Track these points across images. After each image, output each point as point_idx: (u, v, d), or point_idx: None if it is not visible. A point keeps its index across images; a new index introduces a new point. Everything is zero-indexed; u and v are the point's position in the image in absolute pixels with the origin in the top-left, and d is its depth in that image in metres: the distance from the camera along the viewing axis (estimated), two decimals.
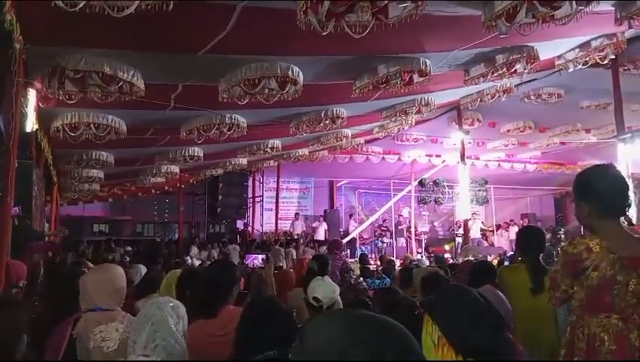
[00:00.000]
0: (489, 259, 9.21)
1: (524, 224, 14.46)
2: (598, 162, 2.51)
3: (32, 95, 4.85)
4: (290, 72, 5.23)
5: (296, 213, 17.12)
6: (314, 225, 16.69)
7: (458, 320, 1.69)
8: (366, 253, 12.75)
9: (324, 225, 16.43)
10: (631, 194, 2.32)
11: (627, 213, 2.37)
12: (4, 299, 2.31)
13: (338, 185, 18.72)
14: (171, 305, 2.08)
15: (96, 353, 2.52)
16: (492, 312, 1.82)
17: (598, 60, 6.92)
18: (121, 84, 4.86)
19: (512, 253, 10.82)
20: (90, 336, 2.56)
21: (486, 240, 17.20)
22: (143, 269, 5.74)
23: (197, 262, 10.23)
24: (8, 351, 1.82)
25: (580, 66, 7.07)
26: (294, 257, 11.56)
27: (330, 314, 1.21)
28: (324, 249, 13.67)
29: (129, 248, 12.52)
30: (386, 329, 0.96)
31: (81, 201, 13.86)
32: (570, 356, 2.25)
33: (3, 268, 3.84)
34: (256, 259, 10.30)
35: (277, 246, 11.84)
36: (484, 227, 16.83)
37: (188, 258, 10.70)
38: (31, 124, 5.05)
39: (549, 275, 3.26)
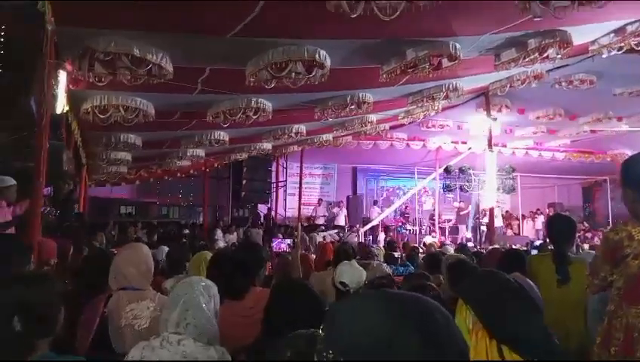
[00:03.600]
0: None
1: (551, 213, 14.21)
2: (629, 152, 2.44)
3: (62, 77, 4.91)
4: (317, 56, 5.18)
5: (320, 199, 17.14)
6: (334, 210, 16.71)
7: (496, 305, 1.66)
8: (393, 239, 12.68)
9: (345, 211, 16.45)
10: None
11: None
12: (38, 275, 2.35)
13: (361, 171, 18.66)
14: (203, 284, 2.10)
15: (127, 331, 2.56)
16: (529, 299, 1.79)
17: (633, 46, 6.70)
18: (150, 66, 4.89)
19: (541, 241, 10.67)
20: (121, 314, 2.61)
21: (511, 229, 17.00)
22: (166, 250, 5.82)
23: (222, 245, 10.34)
24: (49, 324, 1.86)
25: (614, 52, 6.86)
26: (317, 242, 11.61)
27: (364, 295, 1.20)
28: (345, 235, 13.76)
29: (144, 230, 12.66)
30: (429, 313, 0.93)
31: (108, 183, 14.09)
32: (606, 345, 2.20)
33: (36, 246, 3.93)
34: (283, 243, 10.38)
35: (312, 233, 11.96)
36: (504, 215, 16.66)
37: (217, 240, 10.83)
38: (61, 106, 5.12)
39: (574, 264, 3.22)
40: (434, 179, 15.83)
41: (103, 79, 5.09)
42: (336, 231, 14.44)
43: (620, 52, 6.87)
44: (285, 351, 1.50)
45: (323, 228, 14.95)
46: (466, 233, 16.31)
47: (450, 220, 17.46)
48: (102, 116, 6.24)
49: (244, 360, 2.08)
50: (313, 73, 5.54)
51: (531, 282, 3.18)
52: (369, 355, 0.87)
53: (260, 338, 2.05)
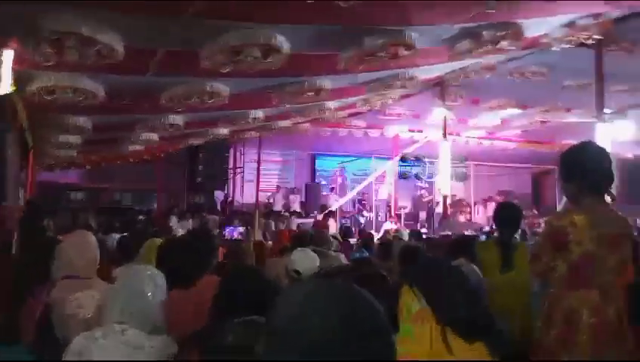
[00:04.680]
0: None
1: (501, 200, 14.66)
2: (576, 142, 2.52)
3: (7, 56, 4.67)
4: (273, 40, 5.12)
5: (277, 186, 17.09)
6: (290, 197, 16.75)
7: (439, 290, 1.71)
8: (349, 226, 12.80)
9: (299, 198, 16.50)
10: (614, 170, 2.35)
11: (610, 190, 2.40)
12: None
13: (320, 158, 18.70)
14: (149, 273, 2.06)
15: (72, 320, 2.49)
16: (468, 284, 1.85)
17: (582, 40, 6.93)
18: (99, 47, 4.71)
19: (488, 229, 11.01)
20: (66, 303, 2.53)
21: (462, 215, 17.44)
22: (117, 237, 5.69)
23: (179, 232, 10.18)
24: None
25: (564, 45, 7.08)
26: (273, 229, 11.60)
27: (304, 282, 1.21)
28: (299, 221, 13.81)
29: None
30: (351, 299, 0.96)
31: (57, 168, 13.59)
32: (547, 329, 2.29)
33: None
34: (235, 231, 10.30)
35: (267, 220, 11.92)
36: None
37: (172, 227, 10.65)
38: (6, 87, 4.88)
39: (519, 250, 3.34)
40: (391, 166, 16.04)
41: (50, 59, 4.87)
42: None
43: (570, 45, 7.09)
44: (227, 336, 1.49)
45: (296, 216, 14.93)
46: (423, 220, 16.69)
47: (406, 207, 17.78)
48: (49, 98, 5.98)
49: (189, 347, 2.06)
50: (270, 58, 5.47)
51: (475, 267, 3.28)
52: (299, 340, 0.90)
53: (206, 325, 2.02)
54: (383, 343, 0.95)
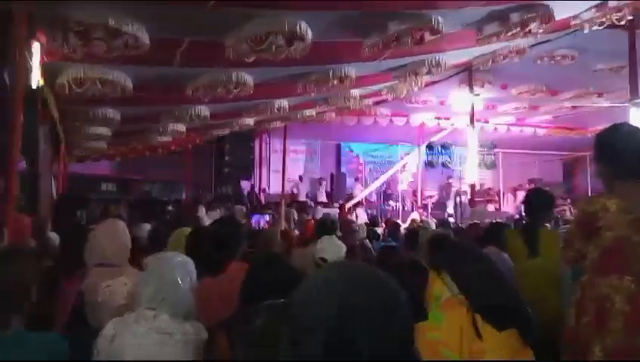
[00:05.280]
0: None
1: (532, 188, 14.39)
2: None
3: (36, 49, 4.77)
4: (297, 28, 5.09)
5: (300, 176, 17.09)
6: (318, 187, 16.77)
7: (470, 276, 1.69)
8: (376, 215, 12.74)
9: (325, 187, 16.49)
10: None
11: None
12: (8, 250, 2.31)
13: (345, 147, 18.64)
14: (179, 259, 2.08)
15: (104, 307, 2.54)
16: (498, 271, 1.82)
17: (614, 21, 6.71)
18: (125, 38, 4.76)
19: (517, 217, 10.84)
20: (98, 290, 2.58)
21: (491, 204, 17.19)
22: (147, 227, 5.77)
23: (207, 221, 10.29)
24: (19, 300, 1.84)
25: (595, 27, 6.87)
26: (295, 218, 11.65)
27: (327, 266, 1.21)
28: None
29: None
30: (371, 284, 0.97)
31: (88, 159, 13.87)
32: (579, 316, 2.24)
33: (10, 223, 3.86)
34: (262, 219, 10.35)
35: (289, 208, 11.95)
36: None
37: (200, 217, 10.76)
38: (36, 79, 4.98)
39: (545, 237, 3.27)
40: (417, 155, 15.88)
41: (77, 51, 4.95)
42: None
43: (601, 27, 6.88)
44: (255, 320, 1.51)
45: (321, 205, 14.96)
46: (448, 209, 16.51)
47: (433, 196, 17.61)
48: (78, 90, 6.09)
49: (219, 333, 2.08)
50: (294, 46, 5.46)
51: (506, 255, 3.23)
52: (321, 321, 0.92)
53: (234, 311, 2.04)
54: (400, 324, 0.96)
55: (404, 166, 17.08)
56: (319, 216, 11.83)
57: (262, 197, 16.43)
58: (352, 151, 18.85)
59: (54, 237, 4.87)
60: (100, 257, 2.73)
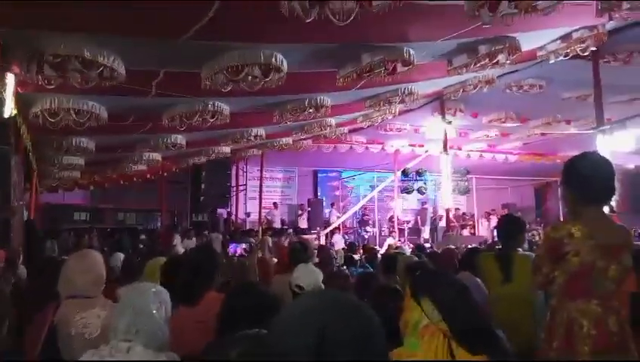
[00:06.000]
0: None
1: (504, 214, 14.63)
2: (577, 153, 2.54)
3: (10, 80, 4.75)
4: (273, 60, 5.19)
5: (275, 203, 17.07)
6: (299, 213, 16.78)
7: (448, 303, 1.73)
8: (354, 241, 12.77)
9: (306, 214, 16.52)
10: (616, 182, 2.36)
11: (611, 201, 2.41)
12: None
13: (322, 174, 18.74)
14: (153, 290, 2.07)
15: (77, 339, 2.50)
16: (473, 297, 1.87)
17: (579, 52, 6.99)
18: (101, 69, 4.78)
19: (490, 241, 10.99)
20: (71, 323, 2.54)
21: (466, 229, 17.41)
22: (121, 257, 5.70)
23: (181, 250, 10.18)
24: None
25: (561, 58, 7.14)
26: (269, 245, 11.63)
27: (305, 295, 1.24)
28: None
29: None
30: (348, 312, 1.00)
31: (61, 189, 13.66)
32: (549, 341, 2.29)
33: None
34: (239, 248, 10.26)
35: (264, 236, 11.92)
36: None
37: (175, 246, 10.66)
38: (9, 110, 4.95)
39: (520, 262, 3.34)
40: (392, 181, 16.05)
41: (52, 82, 4.95)
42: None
43: (566, 58, 7.16)
44: (230, 350, 1.51)
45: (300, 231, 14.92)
46: (424, 234, 16.65)
47: (409, 221, 17.76)
48: (52, 120, 6.05)
49: None
50: (270, 77, 5.55)
51: (479, 280, 3.28)
52: (299, 350, 0.94)
53: (210, 342, 2.04)
54: (376, 351, 0.99)
55: (384, 191, 17.23)
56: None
57: (238, 225, 16.33)
58: (328, 177, 18.96)
59: (22, 270, 4.79)
60: (72, 289, 2.69)
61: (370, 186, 18.19)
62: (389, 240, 14.25)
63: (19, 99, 5.44)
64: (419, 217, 17.63)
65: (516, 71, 8.37)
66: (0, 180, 5.79)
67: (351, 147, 14.10)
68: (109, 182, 13.98)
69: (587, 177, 2.36)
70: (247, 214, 15.94)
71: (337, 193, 18.74)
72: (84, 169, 10.51)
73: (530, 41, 6.54)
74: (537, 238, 12.04)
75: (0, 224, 6.37)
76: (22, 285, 4.40)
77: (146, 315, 1.96)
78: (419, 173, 16.55)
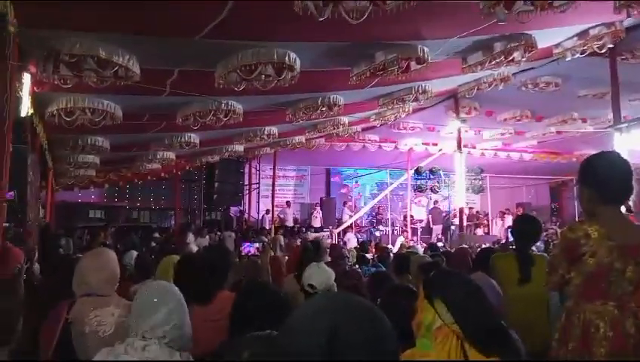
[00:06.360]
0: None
1: (519, 213, 14.49)
2: (594, 152, 2.49)
3: (26, 79, 4.80)
4: (286, 58, 5.19)
5: (287, 201, 17.10)
6: (311, 212, 16.80)
7: (462, 304, 1.72)
8: (366, 240, 12.76)
9: (320, 213, 16.52)
10: (634, 182, 2.31)
11: (628, 201, 2.36)
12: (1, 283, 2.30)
13: (334, 173, 18.73)
14: (167, 288, 2.08)
15: (92, 337, 2.52)
16: (487, 298, 1.85)
17: (595, 49, 6.89)
18: (116, 68, 4.82)
19: (504, 241, 10.90)
20: (85, 321, 2.56)
21: (480, 228, 17.29)
22: (134, 255, 5.73)
23: (194, 249, 10.23)
24: (7, 333, 1.82)
25: (577, 55, 7.04)
26: (282, 244, 11.66)
27: (318, 296, 1.23)
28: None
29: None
30: (359, 313, 1.00)
31: (76, 187, 13.81)
32: (564, 342, 2.25)
33: (0, 252, 3.83)
34: (252, 247, 10.31)
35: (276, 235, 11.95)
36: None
37: (189, 244, 10.71)
38: (26, 109, 5.00)
39: (537, 262, 3.30)
40: (405, 180, 15.99)
41: (68, 81, 5.00)
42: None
43: (583, 55, 7.06)
44: (242, 351, 1.51)
45: (312, 230, 14.97)
46: (439, 233, 16.56)
47: (422, 221, 17.68)
48: (68, 119, 6.12)
49: None
50: (283, 75, 5.54)
51: (493, 281, 3.24)
52: (311, 350, 0.94)
53: (222, 342, 2.04)
54: (388, 352, 0.98)
55: (397, 190, 17.19)
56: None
57: (251, 223, 16.40)
58: (341, 176, 18.95)
59: (36, 268, 4.83)
60: (87, 287, 2.71)
61: (376, 185, 18.18)
62: (400, 239, 14.20)
63: (35, 98, 5.50)
64: (431, 216, 17.55)
65: (532, 68, 8.28)
66: (16, 179, 5.86)
67: (364, 146, 14.05)
68: (123, 181, 14.11)
69: (604, 176, 2.31)
70: (267, 211, 15.97)
71: (350, 192, 18.72)
72: (99, 167, 10.62)
73: (546, 38, 6.46)
74: (555, 238, 11.90)
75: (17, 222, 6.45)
76: (35, 281, 4.45)
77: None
78: (432, 172, 16.49)
